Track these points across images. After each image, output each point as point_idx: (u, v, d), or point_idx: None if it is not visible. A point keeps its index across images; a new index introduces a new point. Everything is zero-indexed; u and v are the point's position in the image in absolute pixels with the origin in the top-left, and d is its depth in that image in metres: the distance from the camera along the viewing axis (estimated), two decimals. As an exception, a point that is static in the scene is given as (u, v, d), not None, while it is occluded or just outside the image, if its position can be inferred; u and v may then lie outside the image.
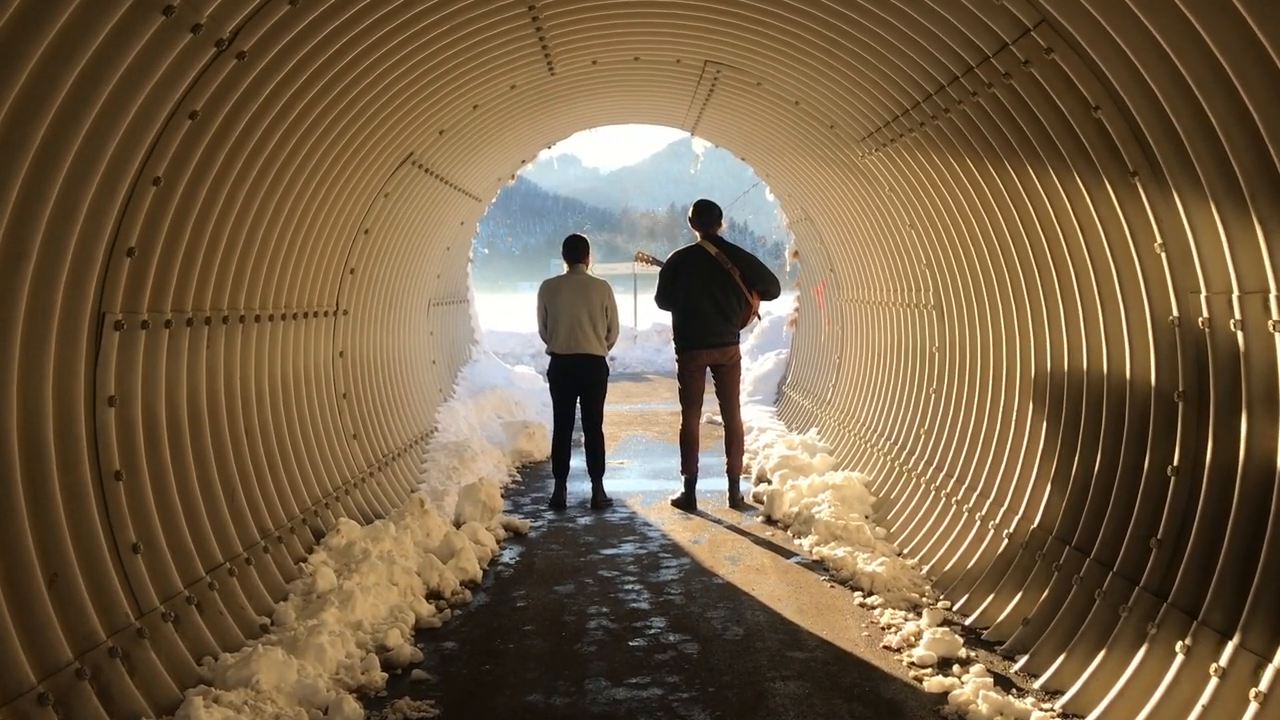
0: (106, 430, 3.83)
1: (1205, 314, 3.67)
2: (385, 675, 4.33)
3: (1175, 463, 3.87)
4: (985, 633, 4.77)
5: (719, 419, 10.07)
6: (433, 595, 5.42)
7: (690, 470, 7.71)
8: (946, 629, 4.69)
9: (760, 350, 13.91)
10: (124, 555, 3.79)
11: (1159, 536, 3.88)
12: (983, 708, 3.91)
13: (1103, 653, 3.91)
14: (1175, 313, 3.87)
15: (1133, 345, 4.25)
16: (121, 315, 3.89)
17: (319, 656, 4.19)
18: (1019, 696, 4.04)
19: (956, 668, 4.37)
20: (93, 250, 3.63)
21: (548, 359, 7.96)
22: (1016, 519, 5.10)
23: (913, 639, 4.72)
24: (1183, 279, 3.80)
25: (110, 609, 3.59)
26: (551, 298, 7.78)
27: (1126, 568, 4.05)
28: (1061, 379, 4.93)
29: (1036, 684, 4.15)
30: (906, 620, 4.95)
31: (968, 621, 4.93)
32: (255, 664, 3.89)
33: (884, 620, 5.01)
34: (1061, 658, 4.13)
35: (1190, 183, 3.56)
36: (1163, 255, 3.89)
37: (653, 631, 4.96)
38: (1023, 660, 4.37)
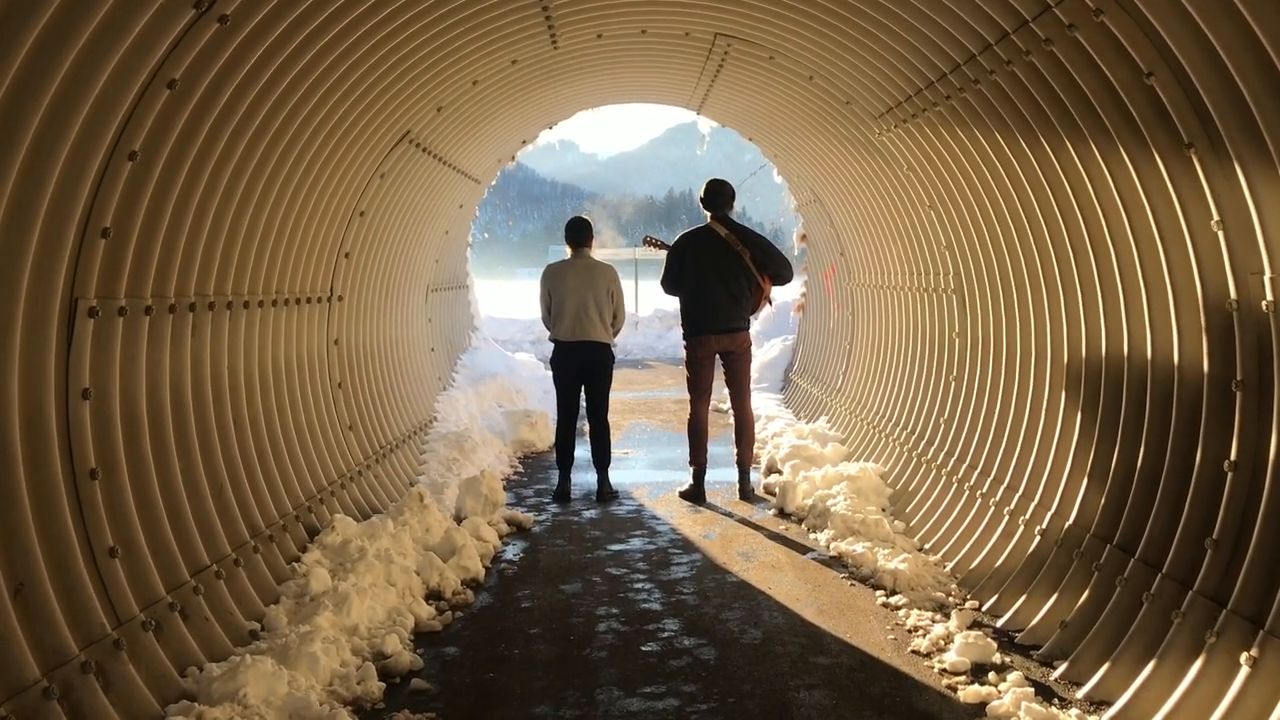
0: (80, 425, 3.55)
1: (1269, 297, 3.38)
2: (383, 685, 4.05)
3: (1233, 457, 3.59)
4: (1019, 636, 4.49)
5: (725, 406, 9.81)
6: (433, 596, 5.15)
7: (699, 461, 7.44)
8: (978, 632, 4.42)
9: (766, 336, 13.62)
10: (100, 560, 3.51)
11: (1215, 536, 3.60)
12: (1025, 720, 3.64)
13: (1154, 661, 3.63)
14: (1233, 295, 3.58)
15: (1181, 330, 3.96)
16: (96, 301, 3.60)
17: (312, 666, 3.91)
18: (1062, 707, 3.76)
19: (992, 675, 4.09)
20: (62, 231, 3.33)
21: (549, 346, 7.67)
22: (1049, 514, 4.82)
23: (942, 643, 4.45)
24: (1243, 259, 3.51)
25: (84, 620, 3.31)
26: (555, 283, 7.48)
27: (1178, 570, 3.77)
28: (1098, 366, 4.64)
29: (1080, 694, 3.87)
30: (934, 622, 4.68)
31: (999, 624, 4.66)
32: (242, 676, 3.61)
33: (910, 622, 4.74)
34: (1106, 665, 3.85)
35: (1257, 153, 3.27)
36: (1220, 233, 3.59)
37: (666, 635, 4.68)
38: (1062, 667, 4.10)
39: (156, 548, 3.88)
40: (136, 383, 3.94)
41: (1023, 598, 4.67)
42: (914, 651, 4.43)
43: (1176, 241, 3.89)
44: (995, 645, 4.30)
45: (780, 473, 7.69)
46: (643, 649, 4.51)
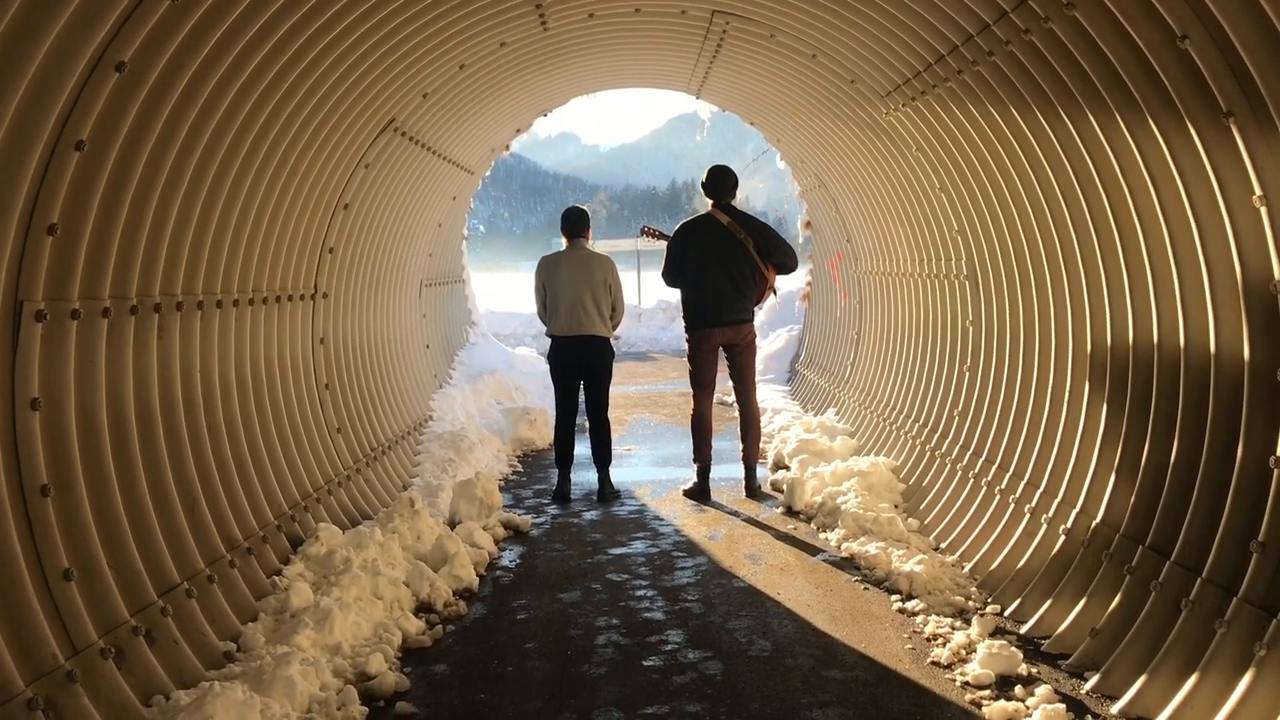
0: (30, 438, 3.27)
1: (1321, 278, 3.09)
2: (365, 710, 3.77)
3: (1279, 453, 3.30)
4: (1045, 644, 4.21)
5: (729, 399, 9.52)
6: (423, 608, 4.88)
7: (703, 458, 7.15)
8: (1002, 641, 4.13)
9: (771, 326, 13.32)
10: (53, 584, 3.24)
11: (1261, 539, 3.31)
12: (1057, 741, 3.36)
13: (1196, 674, 3.35)
14: (1278, 277, 3.29)
15: (1218, 316, 3.66)
16: (44, 304, 3.32)
17: (288, 691, 3.64)
18: (1097, 725, 3.49)
19: (1019, 689, 3.81)
20: (0, 228, 3.06)
21: (549, 341, 7.39)
22: (1074, 513, 4.53)
23: (964, 653, 4.17)
24: (1290, 237, 3.22)
25: (32, 651, 3.04)
26: (550, 275, 7.18)
27: (1220, 574, 3.48)
28: (1125, 355, 4.35)
29: (1115, 709, 3.59)
30: (954, 630, 4.40)
31: (1023, 630, 4.37)
32: (210, 706, 3.34)
33: (928, 630, 4.46)
34: (1144, 678, 3.56)
35: (1307, 120, 2.97)
36: (1262, 210, 3.30)
37: (669, 647, 4.41)
38: (1094, 679, 3.81)
39: (120, 567, 3.61)
40: (95, 390, 3.66)
41: (1048, 602, 4.39)
42: (934, 663, 4.15)
43: (1213, 219, 3.59)
44: (1020, 655, 4.02)
45: (787, 468, 7.41)
46: (644, 664, 4.24)
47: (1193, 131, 3.52)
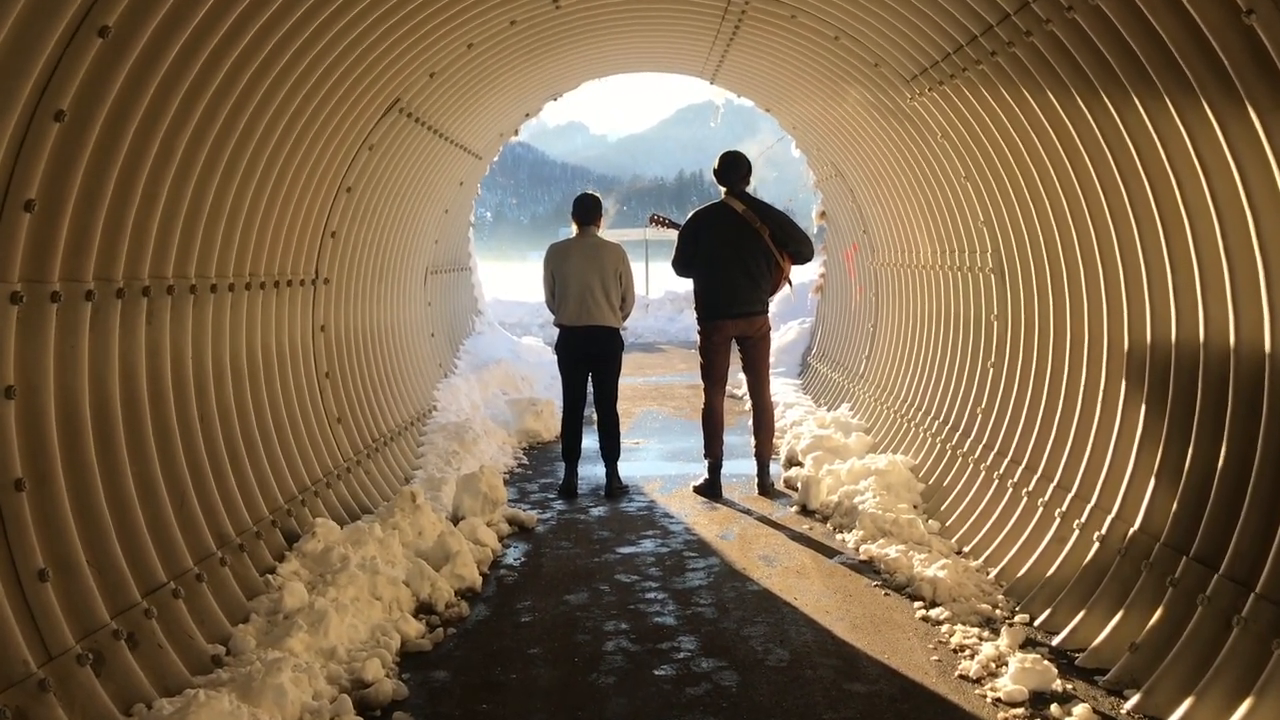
0: (4, 428, 3.06)
1: (1397, 273, 2.85)
2: (360, 720, 3.57)
3: (1344, 461, 3.07)
4: (1080, 658, 3.98)
5: (739, 392, 9.30)
6: (423, 609, 4.66)
7: (715, 454, 6.92)
8: (1034, 655, 3.90)
9: (782, 319, 13.08)
10: (27, 585, 3.03)
11: (1322, 554, 3.08)
12: (1100, 767, 3.14)
13: (1251, 698, 3.12)
14: (1346, 272, 3.05)
15: (1274, 312, 3.42)
16: (20, 285, 3.10)
17: (278, 700, 3.43)
18: (1141, 750, 3.26)
19: (1055, 707, 3.58)
20: (-29, 202, 2.84)
21: (556, 331, 7.16)
22: (1109, 519, 4.30)
23: (994, 666, 3.95)
24: (1362, 229, 2.98)
25: (2, 658, 2.83)
26: (559, 264, 6.94)
27: (1276, 590, 3.25)
28: (1167, 352, 4.11)
29: (1160, 732, 3.37)
30: (982, 641, 4.18)
31: (1055, 642, 4.15)
32: (194, 716, 3.12)
33: (955, 640, 4.23)
34: (1191, 700, 3.33)
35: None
36: (1330, 199, 3.06)
37: (681, 655, 4.19)
38: (1135, 698, 3.58)
39: (101, 566, 3.40)
40: (77, 378, 3.44)
41: (1081, 613, 4.16)
42: (962, 676, 3.92)
43: (1271, 209, 3.35)
44: (1055, 670, 3.79)
45: (801, 465, 7.19)
46: (655, 673, 4.02)
47: (1254, 116, 3.28)
